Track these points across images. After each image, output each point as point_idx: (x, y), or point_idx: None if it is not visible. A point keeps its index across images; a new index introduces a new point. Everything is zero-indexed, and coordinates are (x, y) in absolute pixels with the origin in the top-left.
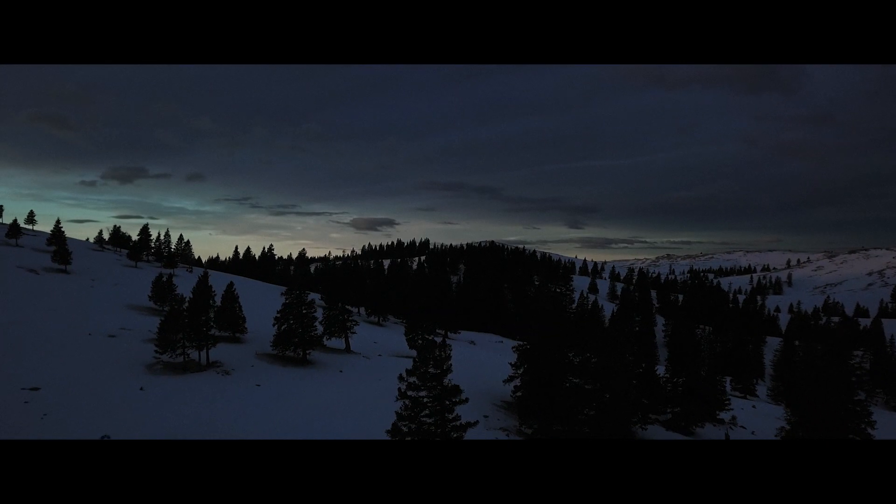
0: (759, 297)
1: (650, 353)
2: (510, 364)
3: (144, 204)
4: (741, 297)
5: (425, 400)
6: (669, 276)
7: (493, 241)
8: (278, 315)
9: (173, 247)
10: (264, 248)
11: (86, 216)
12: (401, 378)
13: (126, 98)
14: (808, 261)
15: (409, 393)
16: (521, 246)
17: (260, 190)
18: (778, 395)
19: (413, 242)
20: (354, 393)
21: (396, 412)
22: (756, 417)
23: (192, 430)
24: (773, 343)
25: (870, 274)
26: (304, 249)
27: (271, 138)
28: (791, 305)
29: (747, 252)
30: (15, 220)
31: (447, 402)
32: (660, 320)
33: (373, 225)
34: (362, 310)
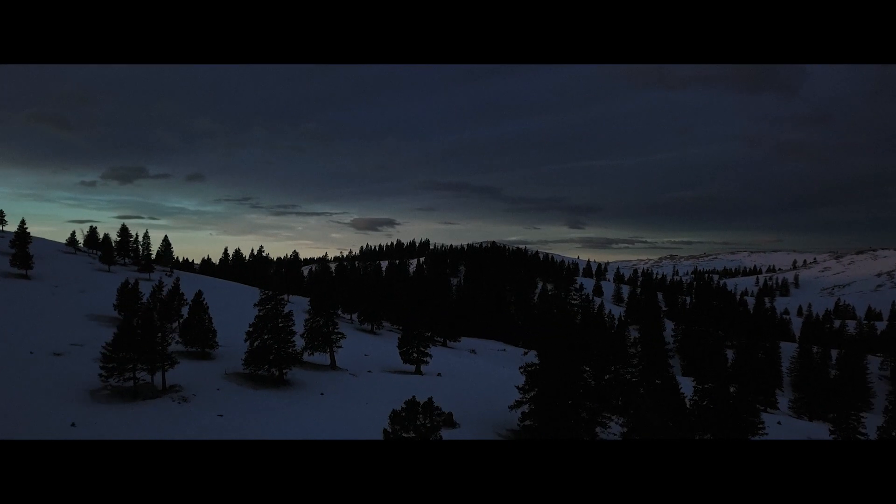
0: (766, 300)
1: (663, 363)
2: (517, 388)
3: (145, 204)
4: (749, 300)
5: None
6: (674, 278)
7: (494, 242)
8: (251, 329)
9: (153, 248)
10: (252, 250)
11: (86, 216)
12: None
13: (125, 98)
14: (815, 262)
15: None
16: (522, 246)
17: (260, 190)
18: (801, 408)
19: (413, 243)
20: (334, 422)
21: None
22: (786, 436)
23: None
24: (786, 349)
25: (879, 275)
26: (295, 251)
27: (271, 138)
28: (800, 308)
29: (752, 253)
30: None
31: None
32: (667, 324)
33: (373, 225)
34: (355, 316)
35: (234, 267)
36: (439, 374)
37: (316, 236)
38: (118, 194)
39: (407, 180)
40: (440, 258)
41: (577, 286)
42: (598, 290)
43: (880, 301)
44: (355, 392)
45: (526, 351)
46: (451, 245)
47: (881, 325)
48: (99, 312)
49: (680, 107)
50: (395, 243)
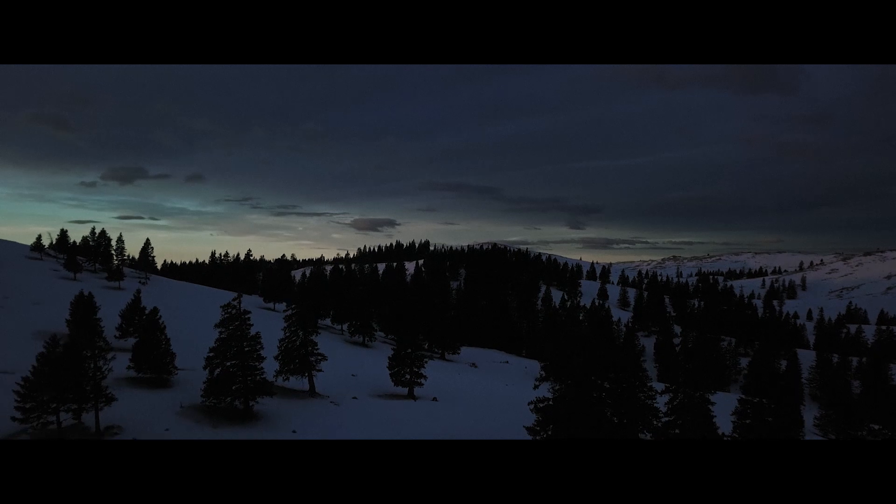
0: (775, 303)
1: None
2: (527, 429)
3: (146, 205)
4: (756, 303)
5: None
6: (678, 280)
7: (495, 244)
8: (210, 354)
9: (131, 252)
10: (239, 254)
11: (87, 217)
12: None
13: (124, 98)
14: (822, 263)
15: None
16: (524, 247)
17: (260, 190)
18: (828, 425)
19: (412, 244)
20: None
21: None
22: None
23: None
24: (803, 357)
25: (888, 277)
26: (283, 255)
27: (271, 139)
28: (809, 311)
29: (755, 254)
30: None
31: None
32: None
33: (374, 225)
34: (346, 327)
35: (223, 271)
36: (435, 399)
37: (316, 237)
38: (118, 195)
39: (407, 180)
40: (440, 261)
41: (572, 284)
42: (602, 294)
43: (891, 304)
44: (335, 426)
45: (539, 377)
46: (452, 247)
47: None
48: (51, 329)
49: (680, 107)
50: (393, 244)
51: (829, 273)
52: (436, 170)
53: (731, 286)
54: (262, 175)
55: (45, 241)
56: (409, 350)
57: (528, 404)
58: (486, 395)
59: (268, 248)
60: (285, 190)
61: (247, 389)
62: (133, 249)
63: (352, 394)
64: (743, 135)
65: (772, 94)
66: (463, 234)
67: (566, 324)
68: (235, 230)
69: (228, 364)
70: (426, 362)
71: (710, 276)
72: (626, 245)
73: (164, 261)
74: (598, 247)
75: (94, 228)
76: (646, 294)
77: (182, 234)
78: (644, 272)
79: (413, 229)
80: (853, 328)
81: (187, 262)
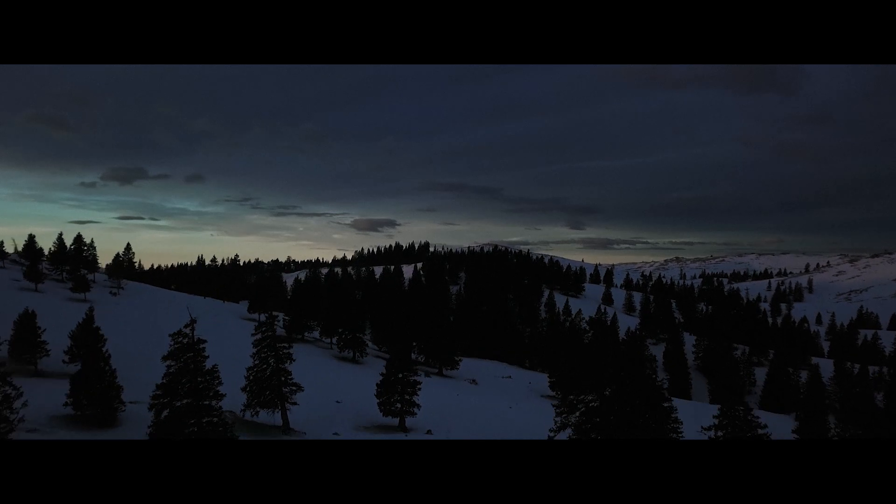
0: (783, 306)
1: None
2: None
3: (146, 205)
4: (764, 306)
5: None
6: (682, 282)
7: (496, 245)
8: (158, 392)
9: (106, 257)
10: (224, 259)
11: (88, 217)
12: None
13: (123, 99)
14: (828, 265)
15: None
16: (525, 249)
17: (261, 191)
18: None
19: (412, 246)
20: None
21: None
22: None
23: None
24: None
25: None
26: (277, 258)
27: (271, 139)
28: (819, 316)
29: (759, 255)
30: None
31: None
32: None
33: (374, 226)
34: (335, 340)
35: (211, 276)
36: (429, 432)
37: (317, 237)
38: (119, 195)
39: (407, 181)
40: (439, 263)
41: (576, 287)
42: (607, 298)
43: None
44: None
45: (560, 410)
46: (451, 249)
47: None
48: None
49: (679, 107)
50: (392, 246)
51: (837, 275)
52: (436, 170)
53: (738, 289)
54: (262, 175)
55: (9, 248)
56: (401, 375)
57: (549, 431)
58: (489, 422)
59: (268, 248)
60: (285, 190)
61: (202, 433)
62: (135, 251)
63: (333, 428)
64: (743, 135)
65: (771, 94)
66: (463, 234)
67: (573, 338)
68: (236, 230)
69: (178, 404)
70: (420, 384)
71: (715, 279)
72: (627, 245)
73: (152, 264)
74: (599, 247)
75: (60, 234)
76: (651, 298)
77: (182, 235)
78: (647, 274)
79: (413, 230)
80: (868, 334)
81: (176, 265)
